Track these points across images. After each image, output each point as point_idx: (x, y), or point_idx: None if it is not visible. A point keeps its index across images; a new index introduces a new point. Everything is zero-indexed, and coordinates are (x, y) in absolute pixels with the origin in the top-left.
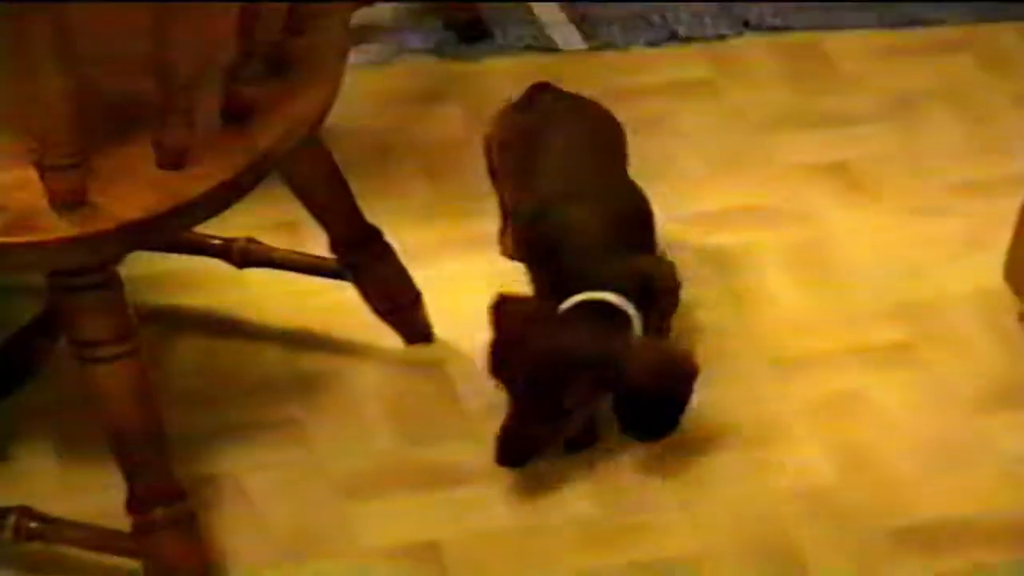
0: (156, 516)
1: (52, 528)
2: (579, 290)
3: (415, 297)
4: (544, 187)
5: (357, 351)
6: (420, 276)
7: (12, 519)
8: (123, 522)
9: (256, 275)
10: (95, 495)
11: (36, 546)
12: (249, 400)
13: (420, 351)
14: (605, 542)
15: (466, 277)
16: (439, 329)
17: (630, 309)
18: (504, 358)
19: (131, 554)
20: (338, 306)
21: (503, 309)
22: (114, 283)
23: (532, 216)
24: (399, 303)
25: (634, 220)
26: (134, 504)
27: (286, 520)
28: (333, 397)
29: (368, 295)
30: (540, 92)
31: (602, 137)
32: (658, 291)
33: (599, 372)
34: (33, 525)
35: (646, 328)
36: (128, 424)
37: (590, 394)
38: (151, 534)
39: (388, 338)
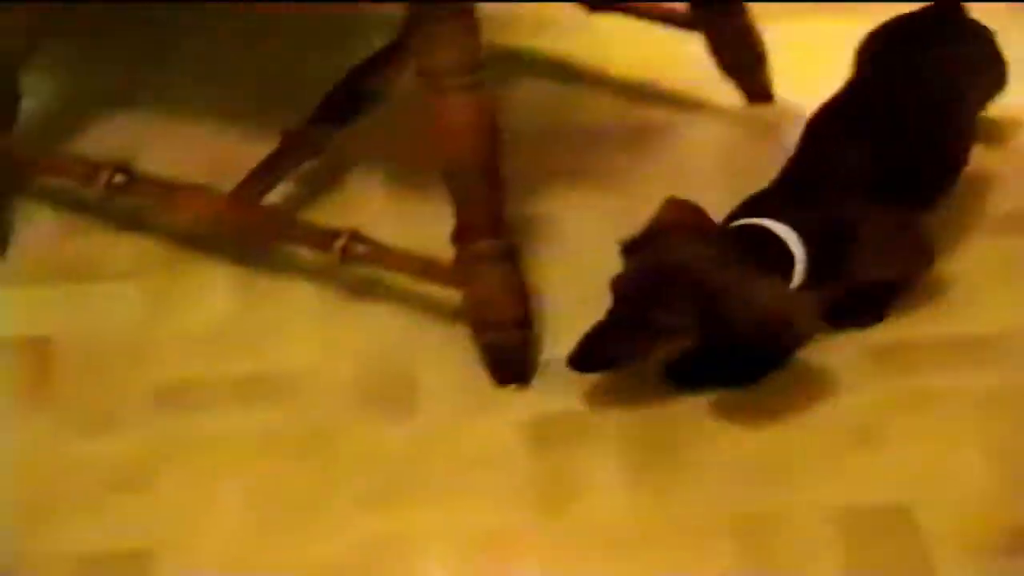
0: (480, 248)
1: (379, 252)
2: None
3: (760, 55)
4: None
5: (693, 105)
6: (769, 36)
7: (342, 240)
8: (448, 253)
9: (605, 20)
10: (423, 225)
11: (362, 269)
12: (579, 144)
13: (757, 111)
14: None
15: (814, 41)
16: (780, 91)
17: (798, 251)
18: (625, 260)
19: (453, 284)
20: (682, 58)
21: (658, 214)
22: (467, 15)
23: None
24: (744, 60)
25: (933, 170)
26: (460, 235)
27: (600, 264)
28: (662, 148)
29: (714, 49)
30: (941, 10)
31: (976, 77)
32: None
33: (702, 301)
34: (361, 248)
35: (813, 280)
36: (466, 155)
37: (685, 322)
38: (474, 265)
39: (727, 95)
